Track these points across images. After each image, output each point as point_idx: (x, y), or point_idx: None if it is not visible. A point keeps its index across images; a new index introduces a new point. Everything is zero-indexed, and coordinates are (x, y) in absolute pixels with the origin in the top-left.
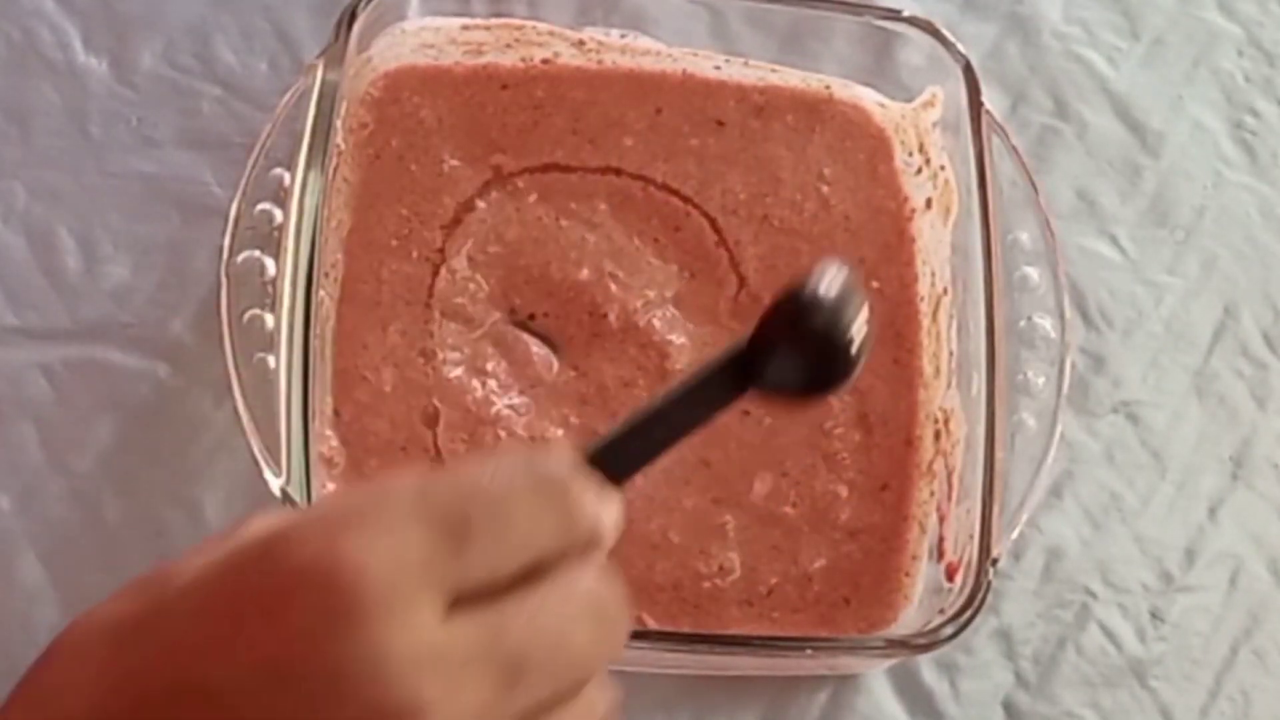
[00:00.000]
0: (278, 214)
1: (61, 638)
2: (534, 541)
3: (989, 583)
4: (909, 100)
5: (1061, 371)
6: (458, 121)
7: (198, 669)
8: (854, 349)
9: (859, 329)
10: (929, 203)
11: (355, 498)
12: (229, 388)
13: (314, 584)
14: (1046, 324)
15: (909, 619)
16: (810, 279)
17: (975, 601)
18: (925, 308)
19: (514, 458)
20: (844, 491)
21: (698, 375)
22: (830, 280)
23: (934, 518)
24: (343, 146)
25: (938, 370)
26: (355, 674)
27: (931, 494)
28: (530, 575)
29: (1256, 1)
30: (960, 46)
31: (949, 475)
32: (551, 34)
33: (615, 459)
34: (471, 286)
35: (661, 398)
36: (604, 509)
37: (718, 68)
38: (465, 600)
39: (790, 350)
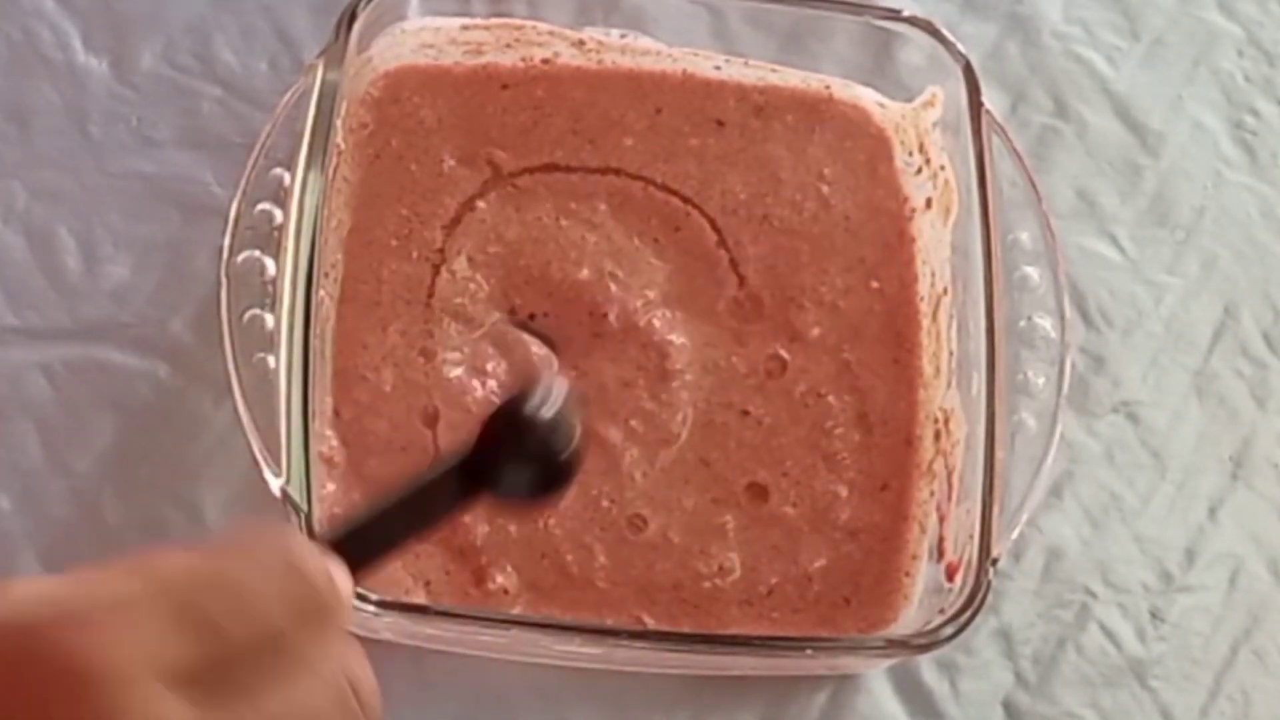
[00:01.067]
0: (278, 214)
1: None
2: (271, 619)
3: (989, 583)
4: (909, 100)
5: (1061, 371)
6: (458, 121)
7: None
8: (569, 464)
9: (574, 444)
10: (929, 203)
11: (102, 587)
12: (229, 388)
13: (69, 688)
14: (1046, 324)
15: (909, 619)
16: (530, 398)
17: (975, 601)
18: (925, 308)
19: (254, 540)
20: (844, 491)
21: (431, 478)
22: (547, 400)
23: (934, 518)
24: (343, 146)
25: (938, 370)
26: None
27: (931, 494)
28: (265, 644)
29: (1257, 1)
30: (960, 46)
31: (949, 475)
32: (551, 34)
33: (354, 547)
34: (471, 286)
35: (399, 495)
36: (341, 581)
37: (718, 68)
38: (200, 673)
39: (515, 465)
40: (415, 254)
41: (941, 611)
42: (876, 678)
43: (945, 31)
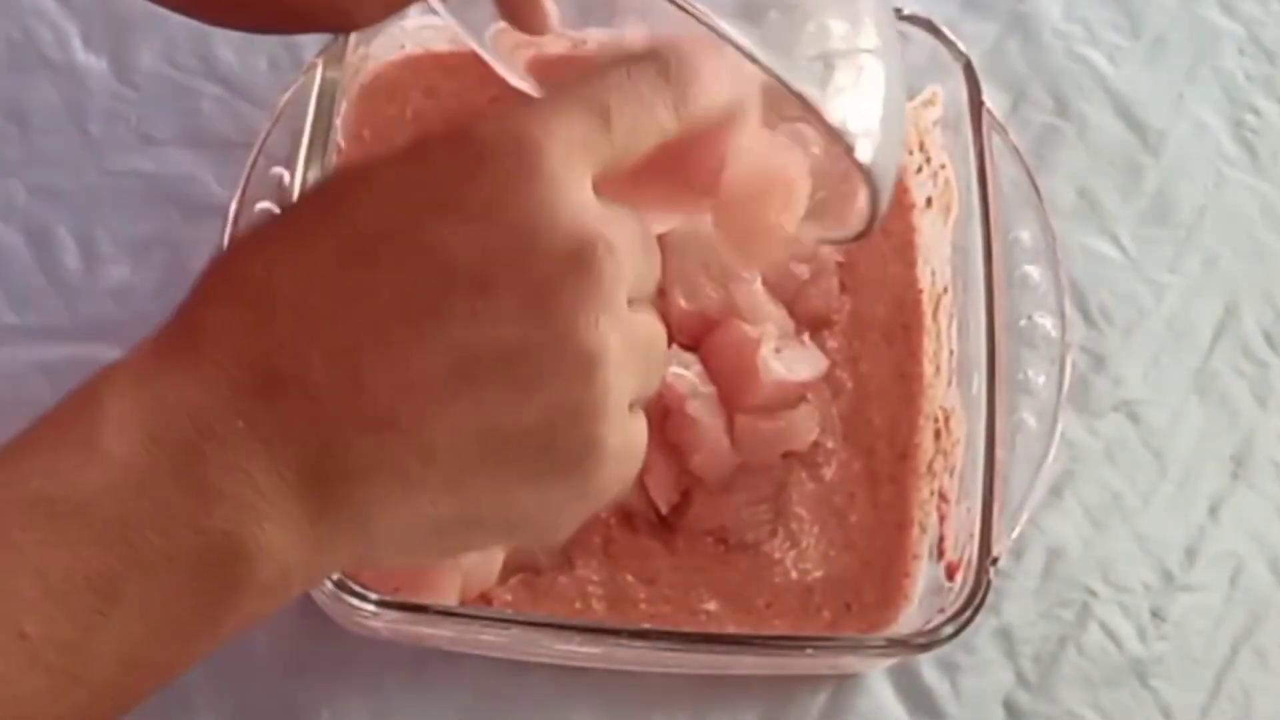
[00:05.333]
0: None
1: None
2: (656, 121)
3: (989, 582)
4: (909, 99)
5: (1062, 370)
6: (458, 119)
7: (412, 224)
8: None
9: None
10: (929, 201)
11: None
12: None
13: (504, 150)
14: (1047, 323)
15: (909, 618)
16: None
17: (975, 600)
18: (926, 307)
19: (645, 62)
20: (845, 493)
21: None
22: None
23: (934, 517)
24: (343, 145)
25: (938, 369)
26: (545, 216)
27: (931, 494)
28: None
29: (1257, 0)
30: (961, 45)
31: (949, 475)
32: (553, 34)
33: None
34: None
35: None
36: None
37: None
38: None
39: None
40: None
41: (942, 611)
42: (877, 677)
43: (946, 30)
